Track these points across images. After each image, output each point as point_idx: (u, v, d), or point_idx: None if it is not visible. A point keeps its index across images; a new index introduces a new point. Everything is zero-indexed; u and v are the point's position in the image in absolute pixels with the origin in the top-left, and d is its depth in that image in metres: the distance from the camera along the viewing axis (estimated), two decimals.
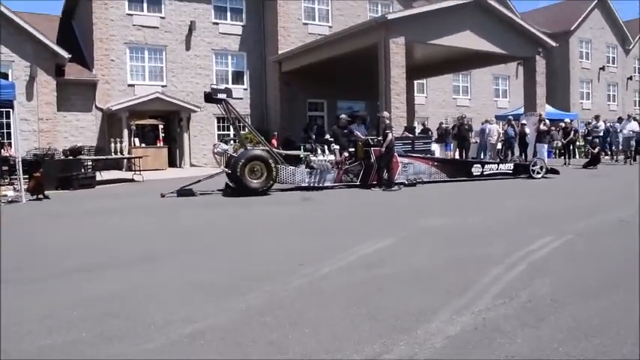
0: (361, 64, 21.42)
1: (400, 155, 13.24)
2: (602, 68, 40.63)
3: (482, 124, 21.56)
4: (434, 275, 4.78)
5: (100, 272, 5.17)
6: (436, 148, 20.05)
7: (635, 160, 20.53)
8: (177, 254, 5.98)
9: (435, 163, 14.00)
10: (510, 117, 21.48)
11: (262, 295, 4.24)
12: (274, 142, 22.34)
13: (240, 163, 11.40)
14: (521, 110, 24.43)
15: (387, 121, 13.24)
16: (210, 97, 12.05)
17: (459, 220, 8.01)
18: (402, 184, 12.75)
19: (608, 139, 24.90)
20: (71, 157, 15.47)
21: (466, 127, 19.31)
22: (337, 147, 12.99)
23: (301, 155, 13.00)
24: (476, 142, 21.24)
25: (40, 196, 11.61)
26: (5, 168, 14.28)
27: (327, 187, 12.55)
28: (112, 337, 3.38)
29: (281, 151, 13.43)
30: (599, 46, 40.59)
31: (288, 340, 3.28)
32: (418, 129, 23.22)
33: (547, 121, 19.88)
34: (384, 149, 12.48)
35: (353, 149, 13.36)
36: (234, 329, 3.50)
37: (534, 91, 22.81)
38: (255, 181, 11.52)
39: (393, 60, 18.37)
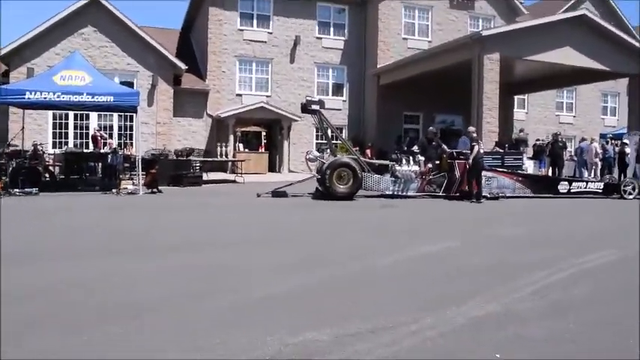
0: (458, 78, 21.70)
1: (483, 169, 13.59)
2: None
3: (580, 142, 21.13)
4: (482, 272, 5.38)
5: (200, 249, 6.31)
6: (530, 165, 19.93)
7: None
8: (259, 241, 7.02)
9: (520, 179, 14.16)
10: (610, 135, 20.89)
11: (322, 274, 5.12)
12: (368, 152, 23.20)
13: (329, 170, 12.37)
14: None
15: (474, 135, 13.65)
16: (305, 108, 13.16)
17: (527, 230, 8.43)
18: (484, 197, 13.10)
19: None
20: (182, 158, 17.23)
21: (560, 144, 19.07)
22: (422, 158, 13.58)
23: (388, 164, 13.75)
24: (572, 159, 20.83)
25: (155, 190, 13.29)
26: (127, 165, 16.21)
27: (410, 196, 13.18)
28: (203, 292, 4.41)
29: (368, 160, 14.25)
30: None
31: (333, 305, 4.11)
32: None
33: None
34: (470, 162, 12.91)
35: (438, 161, 13.89)
36: (293, 297, 4.40)
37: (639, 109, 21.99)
38: (341, 187, 12.43)
39: (487, 76, 18.61)
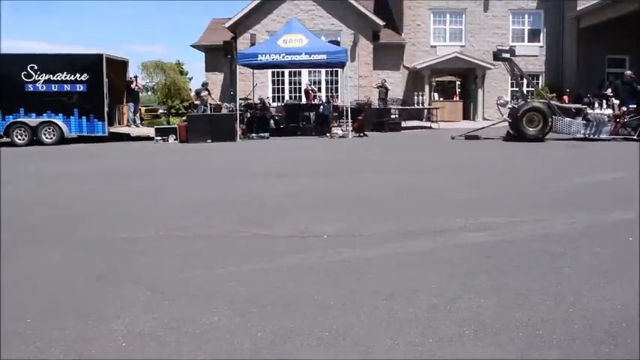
0: None
1: None
2: None
3: None
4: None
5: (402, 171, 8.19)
6: None
7: None
8: (438, 169, 8.69)
9: None
10: None
11: (494, 191, 6.64)
12: (566, 98, 22.94)
13: (520, 113, 13.32)
14: None
15: None
16: (496, 57, 14.14)
17: None
18: None
19: None
20: (383, 107, 19.27)
21: None
22: (616, 101, 13.73)
23: (580, 108, 14.16)
24: None
25: (362, 134, 15.51)
26: (335, 114, 18.68)
27: (602, 139, 13.48)
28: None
29: (561, 105, 14.77)
30: None
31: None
32: None
33: None
34: None
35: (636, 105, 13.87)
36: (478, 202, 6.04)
37: None
38: (531, 130, 13.31)
39: None
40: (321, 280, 3.51)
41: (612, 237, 4.42)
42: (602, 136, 13.59)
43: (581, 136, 13.64)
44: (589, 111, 13.70)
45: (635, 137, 13.47)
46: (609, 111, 13.64)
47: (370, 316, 2.87)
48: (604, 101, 13.81)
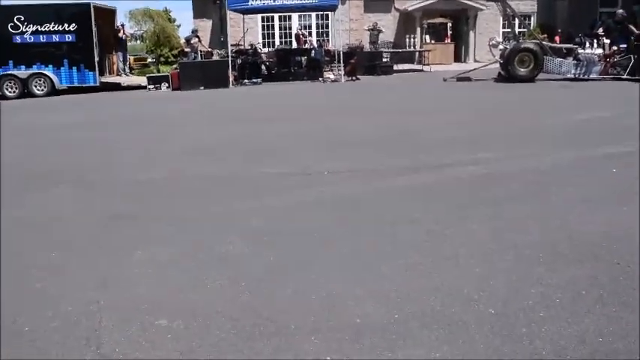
0: None
1: None
2: None
3: None
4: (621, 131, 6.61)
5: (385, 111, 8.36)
6: None
7: None
8: (426, 110, 8.88)
9: None
10: None
11: (486, 128, 6.85)
12: (557, 39, 22.87)
13: (511, 54, 13.37)
14: None
15: None
16: None
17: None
18: None
19: None
20: (374, 51, 19.20)
21: None
22: (607, 41, 13.77)
23: (571, 48, 14.21)
24: None
25: (354, 78, 15.53)
26: (327, 58, 18.60)
27: (592, 79, 13.53)
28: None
29: (552, 45, 14.80)
30: None
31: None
32: None
33: None
34: None
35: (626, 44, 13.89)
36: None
37: None
38: (522, 70, 13.36)
39: None
40: (325, 212, 3.75)
41: (597, 169, 4.68)
42: (592, 75, 13.65)
43: (572, 76, 13.69)
44: (580, 51, 13.73)
45: (624, 77, 13.59)
46: (600, 51, 13.68)
47: (375, 242, 3.13)
48: (595, 41, 13.84)
